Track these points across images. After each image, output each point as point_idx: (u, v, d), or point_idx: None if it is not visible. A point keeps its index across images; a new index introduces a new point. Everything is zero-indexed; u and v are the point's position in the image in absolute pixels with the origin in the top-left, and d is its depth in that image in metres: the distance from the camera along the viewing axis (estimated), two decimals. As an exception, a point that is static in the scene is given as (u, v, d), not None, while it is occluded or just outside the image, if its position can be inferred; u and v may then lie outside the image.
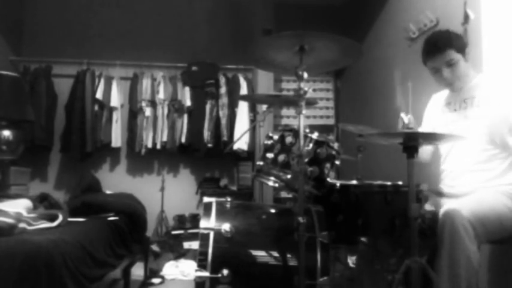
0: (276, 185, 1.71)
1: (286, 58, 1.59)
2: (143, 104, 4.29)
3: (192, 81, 4.42)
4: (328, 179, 1.72)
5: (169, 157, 4.52)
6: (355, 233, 1.74)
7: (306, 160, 1.63)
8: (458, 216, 1.55)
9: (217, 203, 1.60)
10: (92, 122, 4.16)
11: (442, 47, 1.83)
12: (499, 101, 1.79)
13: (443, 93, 2.09)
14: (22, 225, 1.79)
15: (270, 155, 1.74)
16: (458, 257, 1.52)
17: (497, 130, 1.78)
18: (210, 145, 4.32)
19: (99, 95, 4.21)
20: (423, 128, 2.14)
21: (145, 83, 4.35)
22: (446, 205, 1.63)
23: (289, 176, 1.67)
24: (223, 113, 4.37)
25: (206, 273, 1.42)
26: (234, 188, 4.48)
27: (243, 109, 4.33)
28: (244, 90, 4.41)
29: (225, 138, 4.32)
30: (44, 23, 4.44)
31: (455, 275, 1.52)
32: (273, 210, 1.74)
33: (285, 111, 4.79)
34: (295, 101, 1.54)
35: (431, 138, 1.80)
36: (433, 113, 2.12)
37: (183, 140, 4.33)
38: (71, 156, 4.17)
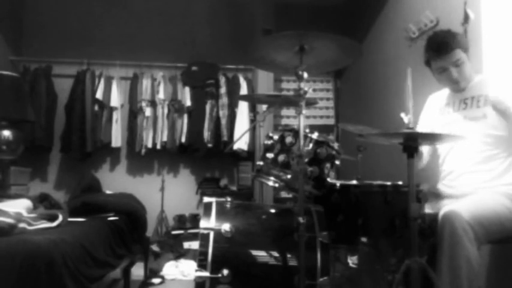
0: (276, 185, 1.71)
1: (286, 58, 1.59)
2: (143, 104, 4.29)
3: (192, 81, 4.42)
4: (328, 179, 1.72)
5: (169, 157, 4.51)
6: (355, 233, 1.75)
7: (306, 160, 1.63)
8: (457, 219, 1.55)
9: (217, 203, 1.60)
10: (92, 122, 4.16)
11: (451, 47, 1.82)
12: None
13: (441, 94, 2.09)
14: (22, 225, 1.79)
15: (270, 155, 1.74)
16: (459, 260, 1.52)
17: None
18: (210, 145, 4.31)
19: (99, 95, 4.21)
20: (420, 129, 2.13)
21: (145, 83, 4.35)
22: (446, 207, 1.62)
23: (289, 176, 1.67)
24: (223, 113, 4.37)
25: (206, 273, 1.42)
26: (234, 188, 4.48)
27: (243, 109, 4.33)
28: (244, 90, 4.40)
29: (225, 138, 4.32)
30: (44, 23, 4.43)
31: (456, 278, 1.52)
32: (273, 210, 1.74)
33: (285, 111, 4.79)
34: (295, 101, 1.54)
35: (431, 138, 1.80)
36: (431, 113, 2.11)
37: (183, 140, 4.33)
38: (71, 156, 4.17)
